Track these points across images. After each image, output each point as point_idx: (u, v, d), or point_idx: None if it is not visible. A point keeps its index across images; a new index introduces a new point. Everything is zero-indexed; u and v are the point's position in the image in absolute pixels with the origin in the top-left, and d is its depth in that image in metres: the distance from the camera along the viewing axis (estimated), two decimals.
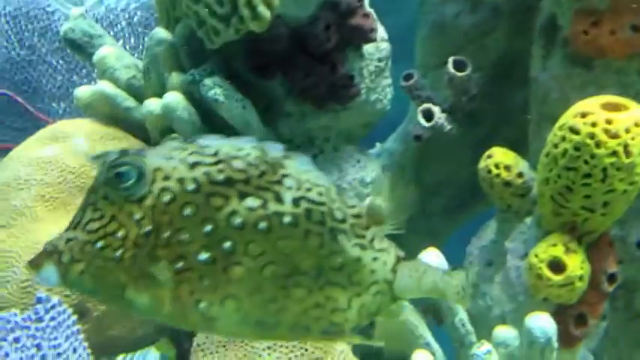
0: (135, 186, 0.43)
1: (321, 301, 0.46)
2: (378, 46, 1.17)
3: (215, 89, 1.03)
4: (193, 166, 0.44)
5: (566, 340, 0.95)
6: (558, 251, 0.93)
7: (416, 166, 1.50)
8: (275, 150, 0.46)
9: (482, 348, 0.89)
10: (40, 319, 0.74)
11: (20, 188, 0.97)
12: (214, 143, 0.46)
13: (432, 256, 1.04)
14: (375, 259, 0.48)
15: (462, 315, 1.01)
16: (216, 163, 0.45)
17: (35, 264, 0.43)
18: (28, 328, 0.71)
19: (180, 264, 0.43)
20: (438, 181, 1.50)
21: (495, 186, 1.08)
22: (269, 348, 0.93)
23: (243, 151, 0.45)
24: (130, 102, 1.14)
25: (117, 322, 0.90)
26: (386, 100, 1.21)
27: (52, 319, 0.75)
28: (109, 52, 1.17)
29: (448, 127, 1.30)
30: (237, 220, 0.44)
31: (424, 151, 1.46)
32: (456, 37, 1.36)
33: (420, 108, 1.28)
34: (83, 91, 1.16)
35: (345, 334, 0.47)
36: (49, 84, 1.62)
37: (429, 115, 1.29)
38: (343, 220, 0.47)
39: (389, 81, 1.21)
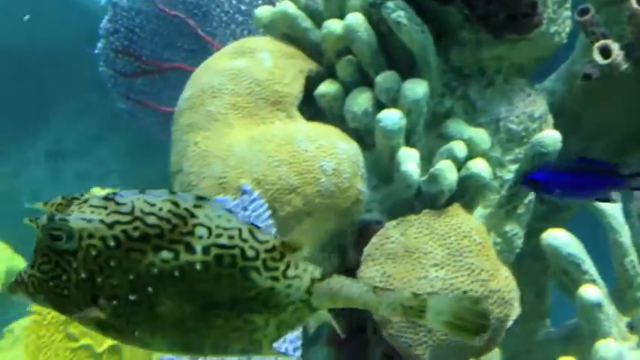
0: (66, 244, 0.52)
1: (239, 325, 0.53)
2: None
3: (398, 12, 1.05)
4: (112, 225, 0.51)
5: None
6: None
7: (578, 108, 1.45)
8: (186, 201, 0.51)
9: None
10: (245, 208, 0.81)
11: (214, 96, 1.05)
12: (129, 199, 0.51)
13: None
14: (288, 285, 0.53)
15: (633, 257, 0.99)
16: (132, 221, 0.51)
17: (12, 290, 0.54)
18: (237, 214, 0.79)
19: (114, 302, 0.52)
20: (601, 125, 1.44)
21: None
22: (437, 265, 0.97)
23: (155, 206, 0.51)
24: (308, 23, 1.18)
25: (297, 223, 0.98)
26: (564, 33, 1.17)
27: (254, 210, 0.83)
28: None
29: (624, 65, 1.24)
30: (155, 270, 0.51)
31: (590, 92, 1.40)
32: None
33: (598, 44, 1.23)
34: (263, 11, 1.22)
35: (262, 350, 0.54)
36: (218, 9, 1.71)
37: (605, 53, 1.24)
38: (255, 257, 0.52)
39: (569, 13, 1.17)
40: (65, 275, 0.52)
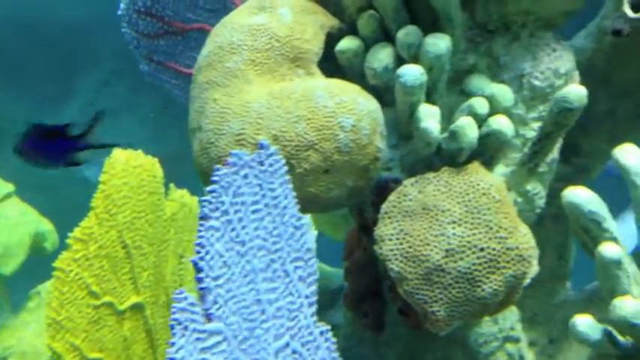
0: None
1: None
2: None
3: None
4: None
5: None
6: None
7: (607, 66, 1.41)
8: None
9: None
10: (262, 163, 0.82)
11: (233, 52, 1.05)
12: None
13: (631, 152, 1.00)
14: None
15: None
16: None
17: None
18: (254, 168, 0.80)
19: None
20: (632, 82, 1.40)
21: None
22: (454, 222, 0.97)
23: None
24: None
25: (316, 181, 0.98)
26: None
27: (270, 165, 0.83)
28: None
29: None
30: None
31: (620, 48, 1.36)
32: None
33: None
34: None
35: None
36: None
37: (636, 6, 1.19)
38: None
39: None
40: None
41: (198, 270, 0.65)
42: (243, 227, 0.75)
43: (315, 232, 2.19)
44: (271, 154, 0.83)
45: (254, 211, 0.78)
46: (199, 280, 0.65)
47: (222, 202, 0.72)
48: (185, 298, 0.61)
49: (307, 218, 2.10)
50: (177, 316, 0.59)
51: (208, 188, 0.71)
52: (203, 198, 0.70)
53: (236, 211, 0.74)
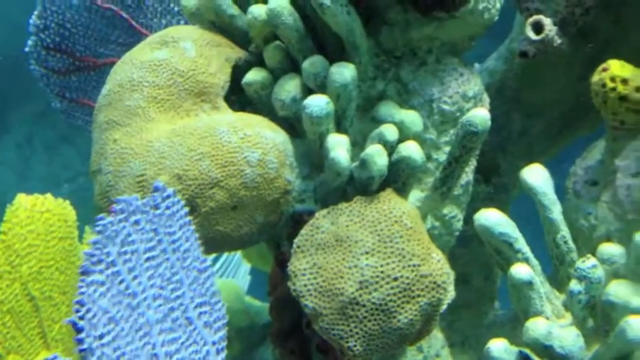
0: None
1: None
2: None
3: None
4: None
5: None
6: None
7: (518, 86, 1.44)
8: None
9: (587, 262, 0.87)
10: (157, 207, 0.78)
11: (133, 90, 1.01)
12: None
13: (537, 172, 1.01)
14: None
15: (564, 232, 0.98)
16: None
17: None
18: (147, 212, 0.76)
19: None
20: (541, 102, 1.43)
21: (609, 101, 1.02)
22: (367, 253, 0.95)
23: None
24: (234, 10, 1.14)
25: (224, 219, 0.94)
26: (495, 10, 1.15)
27: (168, 207, 0.79)
28: None
29: (558, 41, 1.22)
30: None
31: (528, 69, 1.39)
32: None
33: (530, 20, 1.21)
34: None
35: None
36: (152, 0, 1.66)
37: (538, 29, 1.22)
38: None
39: None
40: None
41: (78, 330, 0.60)
42: (135, 277, 0.71)
43: (248, 266, 2.14)
44: (168, 196, 0.79)
45: (148, 259, 0.74)
46: (79, 341, 0.60)
47: (108, 254, 0.67)
48: None
49: (237, 253, 2.04)
50: None
51: (90, 240, 0.66)
52: (85, 251, 0.65)
53: (125, 261, 0.70)
